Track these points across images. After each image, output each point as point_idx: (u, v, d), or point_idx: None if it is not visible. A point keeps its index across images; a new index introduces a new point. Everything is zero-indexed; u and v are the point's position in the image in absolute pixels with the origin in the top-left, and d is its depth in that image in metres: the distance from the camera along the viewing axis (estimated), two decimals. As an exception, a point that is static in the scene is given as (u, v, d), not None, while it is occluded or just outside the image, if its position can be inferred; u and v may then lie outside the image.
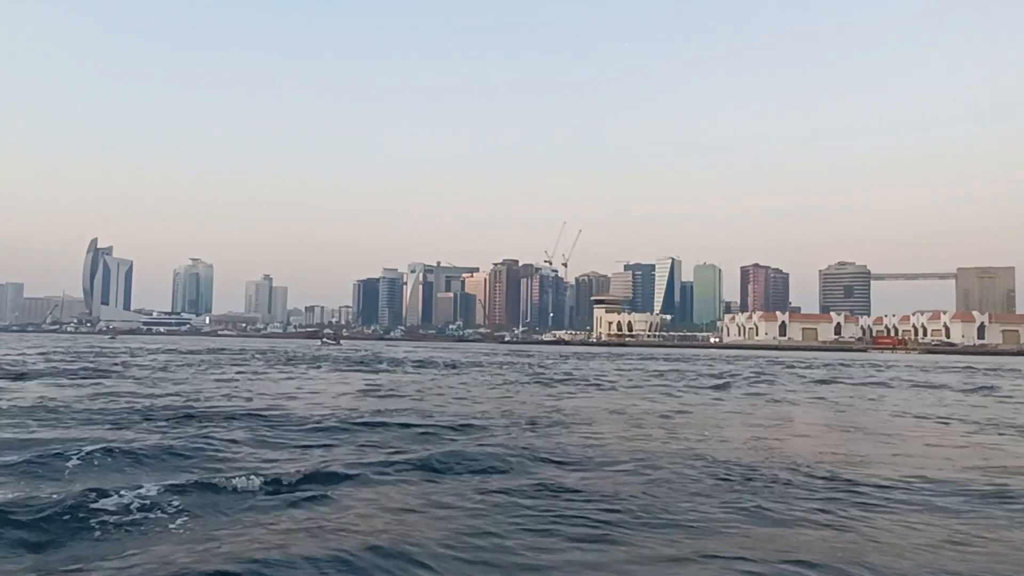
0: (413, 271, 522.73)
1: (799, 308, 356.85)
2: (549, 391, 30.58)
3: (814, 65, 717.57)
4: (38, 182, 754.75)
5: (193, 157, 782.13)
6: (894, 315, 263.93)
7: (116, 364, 45.68)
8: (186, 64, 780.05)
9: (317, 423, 16.98)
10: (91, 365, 43.49)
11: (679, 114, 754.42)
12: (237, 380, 33.53)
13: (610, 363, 69.87)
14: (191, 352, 75.92)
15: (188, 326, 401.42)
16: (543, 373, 46.36)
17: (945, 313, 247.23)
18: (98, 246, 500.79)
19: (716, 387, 35.21)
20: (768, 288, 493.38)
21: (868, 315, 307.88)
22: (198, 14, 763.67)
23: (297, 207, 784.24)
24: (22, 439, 13.58)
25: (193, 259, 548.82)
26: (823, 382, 41.38)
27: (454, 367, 54.09)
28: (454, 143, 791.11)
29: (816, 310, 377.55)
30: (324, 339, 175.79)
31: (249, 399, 23.59)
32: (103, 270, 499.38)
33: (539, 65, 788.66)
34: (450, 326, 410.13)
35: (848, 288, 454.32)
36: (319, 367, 48.97)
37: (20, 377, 31.57)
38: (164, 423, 16.66)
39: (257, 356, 68.85)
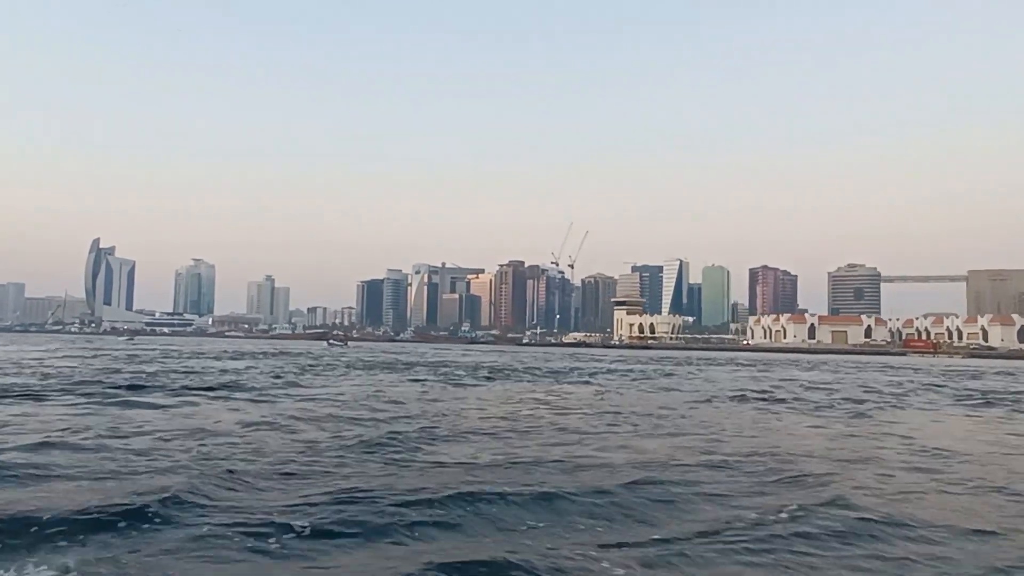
0: (418, 272, 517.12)
1: (806, 310, 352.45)
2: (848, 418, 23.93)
3: (821, 65, 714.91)
4: (40, 182, 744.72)
5: (195, 157, 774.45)
6: (927, 317, 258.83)
7: (214, 372, 39.25)
8: (189, 63, 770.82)
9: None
10: (199, 376, 37.09)
11: (686, 115, 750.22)
12: (431, 397, 27.21)
13: (723, 371, 63.73)
14: (250, 355, 69.30)
15: (193, 327, 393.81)
16: (716, 385, 40.17)
17: (982, 317, 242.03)
18: (100, 246, 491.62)
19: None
20: (777, 290, 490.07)
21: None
22: (200, 13, 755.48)
23: (300, 207, 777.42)
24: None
25: (195, 259, 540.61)
26: None
27: (572, 374, 47.85)
28: (458, 143, 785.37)
29: (825, 312, 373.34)
30: (331, 340, 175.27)
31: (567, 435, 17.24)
32: (106, 270, 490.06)
33: (544, 65, 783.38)
34: (462, 327, 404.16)
35: (858, 290, 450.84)
36: (452, 378, 42.64)
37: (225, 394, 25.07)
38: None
39: (331, 360, 62.63)
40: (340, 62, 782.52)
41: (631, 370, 56.67)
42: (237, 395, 24.69)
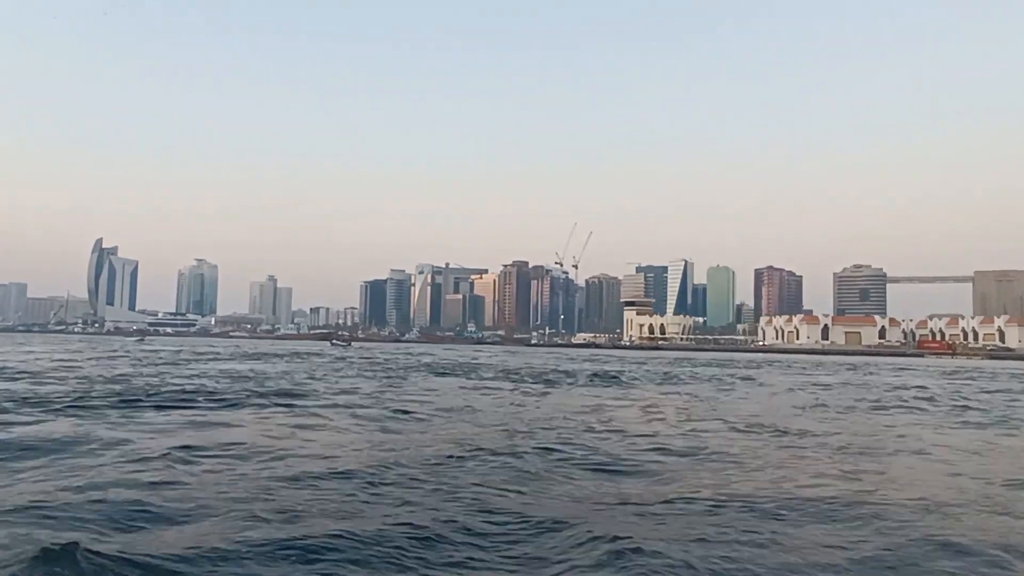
0: (421, 272, 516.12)
1: (811, 311, 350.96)
2: None
3: (824, 65, 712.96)
4: (41, 182, 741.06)
5: (198, 156, 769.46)
6: (940, 318, 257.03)
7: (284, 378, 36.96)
8: (190, 63, 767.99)
9: None
10: (258, 381, 34.83)
11: (690, 115, 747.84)
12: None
13: (774, 373, 61.48)
14: (275, 357, 67.00)
15: (196, 327, 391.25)
16: (807, 391, 37.93)
17: (999, 317, 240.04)
18: (103, 246, 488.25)
19: None
20: (782, 291, 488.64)
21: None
22: (201, 13, 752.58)
23: (303, 207, 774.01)
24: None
25: (198, 259, 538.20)
26: None
27: (628, 378, 45.42)
28: (461, 143, 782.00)
29: (830, 312, 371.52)
30: (333, 341, 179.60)
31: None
32: (108, 270, 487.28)
33: (547, 65, 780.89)
34: (467, 328, 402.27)
35: (864, 291, 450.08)
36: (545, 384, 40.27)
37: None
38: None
39: (372, 363, 60.32)
40: (342, 62, 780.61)
41: (686, 373, 54.50)
42: (340, 405, 22.35)
